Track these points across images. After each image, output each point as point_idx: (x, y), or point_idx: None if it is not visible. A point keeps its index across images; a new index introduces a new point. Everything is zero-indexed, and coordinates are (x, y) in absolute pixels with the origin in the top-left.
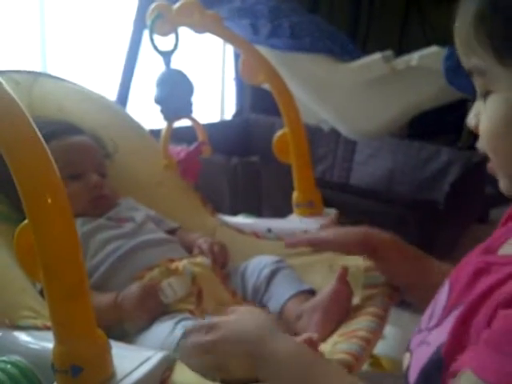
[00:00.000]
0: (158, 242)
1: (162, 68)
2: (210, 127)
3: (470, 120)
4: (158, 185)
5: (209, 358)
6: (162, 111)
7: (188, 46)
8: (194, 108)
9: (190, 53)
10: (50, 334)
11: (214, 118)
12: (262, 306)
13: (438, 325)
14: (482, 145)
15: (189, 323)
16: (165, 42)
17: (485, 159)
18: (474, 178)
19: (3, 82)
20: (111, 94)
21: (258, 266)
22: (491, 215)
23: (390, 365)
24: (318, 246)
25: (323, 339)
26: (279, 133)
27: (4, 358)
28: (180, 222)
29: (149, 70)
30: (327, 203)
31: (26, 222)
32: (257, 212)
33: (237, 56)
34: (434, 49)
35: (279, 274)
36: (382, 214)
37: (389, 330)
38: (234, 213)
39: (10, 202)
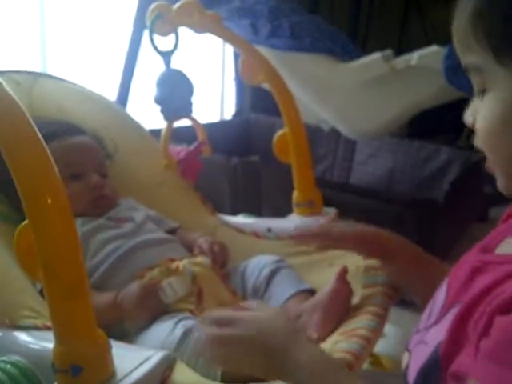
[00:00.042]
0: (158, 241)
1: (161, 68)
2: (210, 127)
3: (467, 118)
4: (159, 185)
5: (223, 350)
6: (162, 111)
7: (188, 46)
8: (194, 108)
9: (189, 53)
10: (50, 334)
11: (213, 118)
12: None
13: (435, 323)
14: (478, 142)
15: (189, 323)
16: (165, 42)
17: (484, 158)
18: (474, 177)
19: (3, 83)
20: (111, 95)
21: (257, 265)
22: (491, 214)
23: (390, 363)
24: (328, 240)
25: (323, 338)
26: (279, 133)
27: (4, 358)
28: (180, 221)
29: (149, 70)
30: (327, 202)
31: (25, 222)
32: (257, 212)
33: (236, 56)
34: (433, 48)
35: (279, 274)
36: (382, 213)
37: (389, 328)
38: (234, 212)
39: (9, 202)
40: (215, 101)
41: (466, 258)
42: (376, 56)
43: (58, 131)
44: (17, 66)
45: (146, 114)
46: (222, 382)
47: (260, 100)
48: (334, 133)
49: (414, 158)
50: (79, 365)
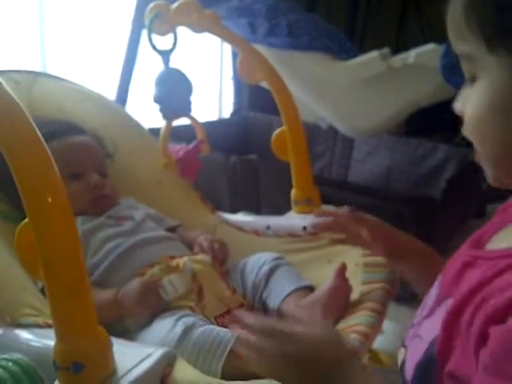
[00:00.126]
0: (158, 239)
1: (160, 67)
2: (209, 126)
3: (456, 105)
4: (158, 184)
5: (269, 363)
6: (161, 110)
7: (186, 46)
8: (193, 107)
9: (187, 52)
10: (51, 332)
11: (211, 116)
12: (262, 302)
13: (428, 316)
14: (466, 131)
15: (189, 320)
16: (163, 42)
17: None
18: (471, 174)
19: (3, 82)
20: (110, 94)
21: (257, 262)
22: (488, 210)
23: (389, 359)
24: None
25: None
26: (277, 131)
27: (5, 356)
28: (180, 220)
29: (148, 69)
30: (325, 200)
31: (26, 220)
32: (256, 210)
33: (234, 55)
34: (430, 46)
35: (278, 271)
36: (380, 211)
37: (387, 324)
38: (234, 210)
39: (9, 200)
40: (213, 100)
41: (459, 253)
42: (373, 54)
43: (58, 131)
44: (16, 66)
45: (145, 112)
46: (222, 378)
47: (258, 99)
48: (332, 131)
49: (412, 156)
50: (80, 362)
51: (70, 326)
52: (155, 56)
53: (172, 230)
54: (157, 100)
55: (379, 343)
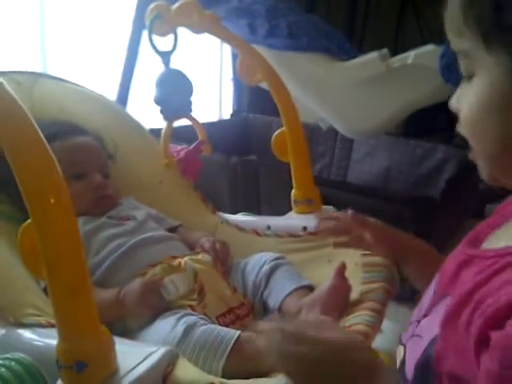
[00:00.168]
0: (159, 239)
1: (161, 68)
2: (209, 126)
3: (452, 103)
4: (159, 184)
5: (294, 367)
6: (162, 111)
7: (186, 47)
8: (193, 107)
9: (187, 53)
10: (54, 331)
11: (211, 117)
12: (262, 301)
13: (425, 315)
14: (461, 128)
15: (191, 319)
16: (164, 43)
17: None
18: (470, 174)
19: (5, 83)
20: (111, 94)
21: (257, 262)
22: (487, 210)
23: (388, 359)
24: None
25: None
26: (277, 132)
27: (8, 356)
28: (181, 220)
29: (148, 69)
30: (325, 201)
31: (29, 221)
32: (256, 210)
33: (234, 56)
34: (429, 47)
35: (279, 270)
36: (380, 211)
37: (386, 324)
38: (234, 211)
39: (12, 201)
40: (213, 101)
41: (455, 252)
42: (373, 55)
43: (61, 131)
44: (17, 66)
45: (146, 113)
46: (222, 377)
47: (257, 100)
48: (332, 131)
49: (411, 157)
50: (83, 361)
51: (72, 325)
52: (156, 57)
53: (173, 230)
54: (157, 101)
55: (378, 342)
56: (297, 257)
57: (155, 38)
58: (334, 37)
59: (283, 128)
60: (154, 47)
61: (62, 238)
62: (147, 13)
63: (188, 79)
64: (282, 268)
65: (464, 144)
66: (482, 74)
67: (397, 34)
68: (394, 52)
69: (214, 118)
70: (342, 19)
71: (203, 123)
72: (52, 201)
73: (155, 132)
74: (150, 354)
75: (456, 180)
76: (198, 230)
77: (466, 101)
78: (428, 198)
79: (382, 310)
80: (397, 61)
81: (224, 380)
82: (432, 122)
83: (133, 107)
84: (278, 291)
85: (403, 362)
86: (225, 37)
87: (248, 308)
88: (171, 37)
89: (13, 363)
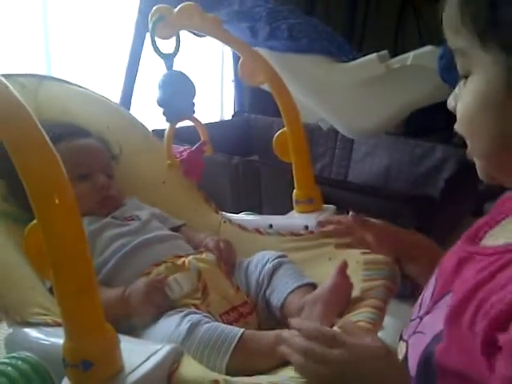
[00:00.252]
0: (163, 238)
1: (164, 70)
2: (211, 127)
3: (450, 101)
4: (162, 184)
5: (317, 368)
6: (165, 113)
7: (187, 49)
8: (196, 109)
9: (189, 55)
10: (60, 330)
11: (213, 118)
12: (265, 299)
13: (427, 312)
14: (458, 126)
15: (195, 317)
16: (167, 45)
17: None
18: (469, 174)
19: (10, 86)
20: (115, 96)
21: (260, 261)
22: (486, 208)
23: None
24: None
25: None
26: (279, 132)
27: (15, 355)
28: (184, 219)
29: (152, 71)
30: (326, 200)
31: (34, 221)
32: (258, 209)
33: (235, 58)
34: (428, 48)
35: (281, 269)
36: (380, 210)
37: (388, 320)
38: (237, 210)
39: (18, 202)
40: (215, 102)
41: (454, 249)
42: (372, 57)
43: (65, 133)
44: (22, 69)
45: (149, 114)
46: (227, 374)
47: (259, 101)
48: (333, 132)
49: (410, 156)
50: (89, 360)
51: (78, 324)
52: (158, 59)
53: (176, 229)
54: (160, 103)
55: None
56: (298, 255)
57: (158, 40)
58: (334, 38)
59: (284, 128)
60: (156, 50)
61: (67, 238)
62: (150, 16)
63: (190, 81)
64: (284, 266)
65: (463, 143)
66: (479, 72)
67: (396, 35)
68: (394, 52)
69: (216, 119)
70: (341, 20)
71: (205, 124)
72: (57, 201)
73: (158, 133)
74: (155, 352)
75: (455, 179)
76: (201, 230)
77: (462, 99)
78: (427, 196)
79: (383, 307)
80: (396, 62)
81: (228, 377)
82: (431, 122)
83: (136, 109)
84: (281, 289)
85: (405, 358)
86: (226, 39)
87: (251, 306)
88: (173, 39)
89: (20, 362)
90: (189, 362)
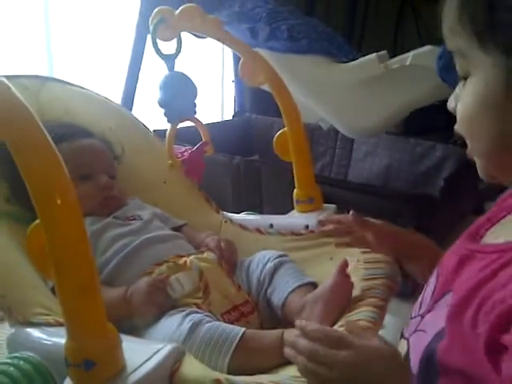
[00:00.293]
0: (165, 238)
1: (165, 71)
2: (212, 127)
3: (450, 102)
4: (164, 184)
5: (324, 370)
6: (166, 114)
7: (188, 50)
8: (197, 109)
9: (190, 56)
10: (62, 330)
11: (214, 119)
12: (266, 298)
13: (429, 311)
14: (458, 127)
15: (197, 316)
16: (168, 46)
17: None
18: (468, 172)
19: (12, 87)
20: (116, 97)
21: (261, 260)
22: (486, 207)
23: None
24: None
25: None
26: (279, 132)
27: (17, 355)
28: (186, 219)
29: (153, 72)
30: (326, 199)
31: (37, 221)
32: (259, 209)
33: (236, 59)
34: (427, 48)
35: (282, 268)
36: (380, 209)
37: (388, 319)
38: (237, 210)
39: (21, 203)
40: (215, 102)
41: (455, 247)
42: (371, 57)
43: (68, 134)
44: (24, 71)
45: (151, 115)
46: (228, 373)
47: (259, 101)
48: (333, 131)
49: (410, 155)
50: (91, 359)
51: (80, 323)
52: (160, 60)
53: (177, 229)
54: (161, 104)
55: None
56: (299, 254)
57: (159, 42)
58: (333, 39)
59: (285, 128)
60: (157, 51)
61: (69, 238)
62: (151, 17)
63: (192, 82)
64: (285, 266)
65: (462, 143)
66: (478, 73)
67: (396, 35)
68: (394, 52)
69: (217, 120)
70: (341, 20)
71: (206, 124)
72: (59, 202)
73: (160, 133)
74: (156, 352)
75: (455, 178)
76: (202, 229)
77: (462, 100)
78: (427, 195)
79: (383, 306)
80: (395, 62)
81: (229, 376)
82: (431, 122)
83: (138, 109)
84: (282, 288)
85: (406, 356)
86: (227, 41)
87: (252, 305)
88: (175, 40)
89: (22, 362)
90: (190, 361)
